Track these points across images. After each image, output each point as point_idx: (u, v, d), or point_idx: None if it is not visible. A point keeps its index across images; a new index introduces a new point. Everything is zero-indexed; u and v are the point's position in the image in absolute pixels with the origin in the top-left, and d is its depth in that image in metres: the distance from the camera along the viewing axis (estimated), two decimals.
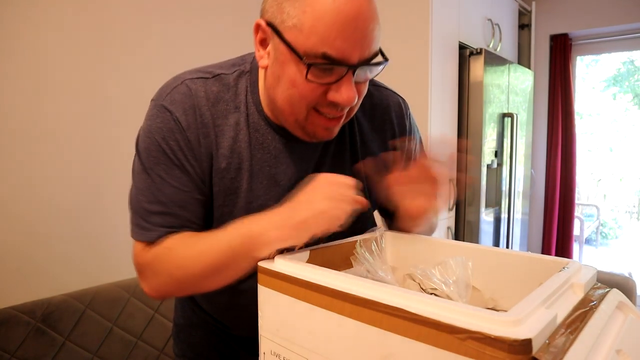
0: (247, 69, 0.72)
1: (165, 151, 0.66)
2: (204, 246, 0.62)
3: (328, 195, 0.58)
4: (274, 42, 0.62)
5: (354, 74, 0.60)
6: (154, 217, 0.66)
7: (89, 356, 1.29)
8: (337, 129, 0.69)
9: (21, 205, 1.38)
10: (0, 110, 1.34)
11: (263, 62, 0.65)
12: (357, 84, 0.63)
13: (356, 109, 0.69)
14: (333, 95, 0.61)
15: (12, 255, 1.36)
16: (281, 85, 0.63)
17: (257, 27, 0.64)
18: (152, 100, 0.70)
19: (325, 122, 0.65)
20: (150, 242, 0.66)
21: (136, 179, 0.68)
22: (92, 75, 1.53)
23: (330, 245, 0.67)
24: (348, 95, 0.61)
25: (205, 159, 0.68)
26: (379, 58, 0.63)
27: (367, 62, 0.61)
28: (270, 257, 0.60)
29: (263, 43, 0.65)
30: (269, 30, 0.62)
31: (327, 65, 0.58)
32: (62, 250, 1.46)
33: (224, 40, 1.93)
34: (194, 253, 0.63)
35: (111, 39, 1.57)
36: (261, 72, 0.70)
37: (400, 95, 0.84)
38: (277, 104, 0.66)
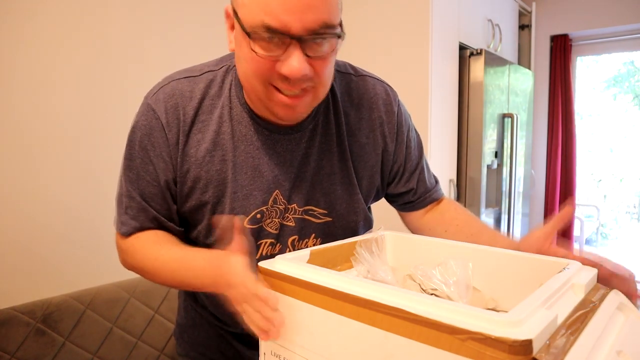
0: (233, 63, 0.73)
1: (145, 147, 0.71)
2: (160, 264, 0.70)
3: (242, 306, 0.57)
4: (236, 25, 0.63)
5: (301, 45, 0.59)
6: (128, 209, 0.73)
7: (89, 356, 1.29)
8: (301, 110, 0.67)
9: (21, 206, 1.38)
10: (1, 110, 1.34)
11: (231, 46, 0.67)
12: (313, 58, 0.61)
13: (323, 89, 0.67)
14: (280, 67, 0.60)
15: (13, 255, 1.36)
16: (241, 64, 0.65)
17: (227, 14, 0.66)
18: (144, 97, 0.73)
19: (283, 99, 0.64)
20: (124, 235, 0.74)
21: (121, 171, 0.75)
22: (94, 76, 1.53)
23: (331, 245, 0.67)
24: (293, 66, 0.59)
25: (183, 156, 0.70)
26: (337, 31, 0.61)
27: (315, 32, 0.59)
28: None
29: (232, 28, 0.66)
30: (232, 14, 0.64)
31: (267, 35, 0.58)
32: (62, 250, 1.46)
33: (224, 42, 1.93)
34: (150, 266, 0.71)
35: (112, 38, 1.57)
36: None
37: (388, 83, 0.84)
38: (243, 85, 0.69)
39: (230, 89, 0.72)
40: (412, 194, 0.88)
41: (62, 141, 1.47)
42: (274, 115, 0.68)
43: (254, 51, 0.60)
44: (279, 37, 0.58)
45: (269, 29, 0.57)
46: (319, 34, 0.59)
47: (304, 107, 0.67)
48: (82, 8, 1.49)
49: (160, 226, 0.74)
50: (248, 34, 0.59)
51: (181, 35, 1.80)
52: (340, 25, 0.63)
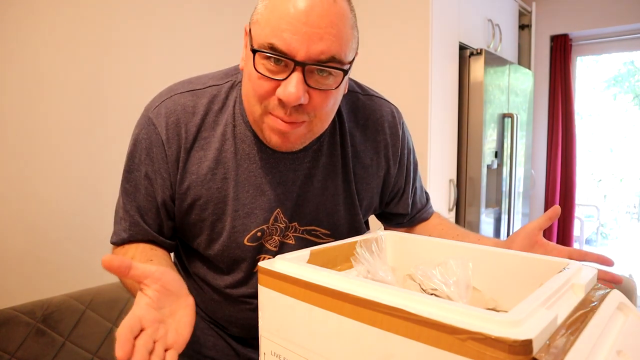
0: (238, 79, 0.73)
1: (143, 162, 0.70)
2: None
3: None
4: (246, 41, 0.64)
5: (303, 73, 0.59)
6: (122, 221, 0.73)
7: (89, 356, 1.29)
8: (294, 139, 0.66)
9: (21, 206, 1.38)
10: (2, 112, 1.34)
11: (241, 63, 0.67)
12: (314, 90, 0.61)
13: (320, 124, 0.67)
14: (278, 91, 0.60)
15: (12, 255, 1.36)
16: (244, 81, 0.65)
17: (245, 32, 0.66)
18: (145, 108, 0.72)
19: (277, 123, 0.63)
20: (114, 244, 0.74)
21: (121, 179, 0.74)
22: (93, 77, 1.53)
23: (331, 245, 0.67)
24: (290, 91, 0.58)
25: (183, 173, 0.70)
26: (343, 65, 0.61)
27: (317, 62, 0.59)
28: None
29: (247, 45, 0.66)
30: (248, 32, 0.64)
31: (272, 55, 0.58)
32: (62, 250, 1.46)
33: (225, 45, 1.93)
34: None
35: (112, 39, 1.57)
36: None
37: (393, 103, 0.84)
38: (243, 103, 0.68)
39: (234, 106, 0.71)
40: (405, 216, 0.91)
41: (62, 142, 1.47)
42: (267, 141, 0.67)
43: (257, 70, 0.60)
44: (284, 61, 0.58)
45: (275, 50, 0.57)
46: (324, 65, 0.59)
47: (297, 137, 0.66)
48: (84, 10, 1.49)
49: (150, 240, 0.74)
50: (253, 51, 0.59)
51: (184, 37, 1.79)
52: (350, 64, 0.62)
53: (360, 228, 0.81)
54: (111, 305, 1.36)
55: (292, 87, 0.58)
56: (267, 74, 0.60)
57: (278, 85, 0.60)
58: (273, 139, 0.66)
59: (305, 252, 0.62)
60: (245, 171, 0.71)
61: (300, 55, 0.57)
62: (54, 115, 1.45)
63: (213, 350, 0.86)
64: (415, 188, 0.90)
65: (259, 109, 0.63)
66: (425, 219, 0.93)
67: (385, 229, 0.96)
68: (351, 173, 0.77)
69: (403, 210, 0.89)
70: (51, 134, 1.44)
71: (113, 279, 1.42)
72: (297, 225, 0.75)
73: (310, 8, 0.57)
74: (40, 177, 1.42)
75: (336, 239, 0.78)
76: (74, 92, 1.49)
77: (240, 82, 0.72)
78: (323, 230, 0.77)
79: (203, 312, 0.85)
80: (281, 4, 0.57)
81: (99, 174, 1.56)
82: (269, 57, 0.59)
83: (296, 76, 0.59)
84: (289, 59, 0.58)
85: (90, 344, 1.30)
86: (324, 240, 0.78)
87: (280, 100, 0.60)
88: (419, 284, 0.62)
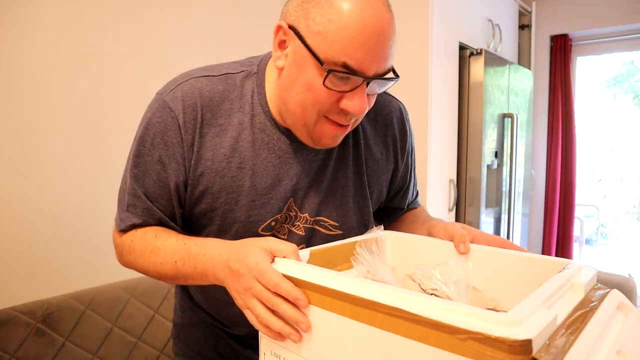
0: (254, 70, 0.73)
1: (157, 146, 0.68)
2: (158, 258, 0.67)
3: (247, 287, 0.56)
4: (294, 45, 0.63)
5: (367, 85, 0.62)
6: (130, 207, 0.71)
7: (89, 357, 1.29)
8: (341, 138, 0.70)
9: (21, 206, 1.38)
10: (3, 110, 1.34)
11: (279, 63, 0.66)
12: (368, 95, 0.65)
13: (360, 120, 0.71)
14: (345, 104, 0.63)
15: (12, 255, 1.36)
16: (296, 88, 0.64)
17: (279, 29, 0.65)
18: (157, 93, 0.71)
19: (333, 130, 0.66)
20: (123, 231, 0.73)
21: (127, 164, 0.72)
22: (93, 77, 1.53)
23: (331, 245, 0.67)
24: (360, 105, 0.63)
25: (197, 158, 0.69)
26: (391, 74, 0.66)
27: (381, 76, 0.63)
28: None
29: (282, 45, 0.66)
30: (290, 33, 0.63)
31: (345, 75, 0.60)
32: (62, 250, 1.46)
33: (225, 44, 1.93)
34: (150, 261, 0.69)
35: (112, 38, 1.57)
36: (272, 74, 0.71)
37: (400, 100, 0.86)
38: (289, 106, 0.67)
39: (252, 96, 0.71)
40: (402, 210, 0.93)
41: (62, 141, 1.47)
42: (314, 141, 0.69)
43: (326, 86, 0.61)
44: (353, 77, 0.61)
45: (348, 68, 0.60)
46: (386, 78, 0.63)
47: (344, 135, 0.70)
48: (85, 8, 1.49)
49: (161, 225, 0.73)
50: (328, 71, 0.60)
51: (184, 36, 1.80)
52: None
53: (369, 221, 0.82)
54: (111, 305, 1.36)
55: (362, 101, 0.63)
56: (334, 88, 0.62)
57: (342, 97, 0.63)
58: (325, 141, 0.68)
59: (305, 252, 0.62)
60: (263, 161, 0.71)
61: (370, 73, 0.61)
62: (53, 116, 1.45)
63: (213, 352, 0.86)
64: (413, 184, 0.92)
65: (315, 116, 0.65)
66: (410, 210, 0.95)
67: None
68: (363, 165, 0.79)
69: (403, 204, 0.91)
70: (51, 134, 1.44)
71: (113, 279, 1.43)
72: (307, 217, 0.76)
73: (380, 28, 0.59)
74: (40, 178, 1.42)
75: (344, 232, 0.78)
76: (73, 94, 1.49)
77: (255, 73, 0.72)
78: (331, 222, 0.77)
79: (206, 313, 0.85)
80: (352, 21, 0.58)
81: (99, 174, 1.56)
82: (340, 76, 0.61)
83: (364, 90, 0.62)
84: (360, 76, 0.61)
85: (90, 344, 1.30)
86: (332, 232, 0.78)
87: (342, 110, 0.63)
88: (419, 284, 0.62)
